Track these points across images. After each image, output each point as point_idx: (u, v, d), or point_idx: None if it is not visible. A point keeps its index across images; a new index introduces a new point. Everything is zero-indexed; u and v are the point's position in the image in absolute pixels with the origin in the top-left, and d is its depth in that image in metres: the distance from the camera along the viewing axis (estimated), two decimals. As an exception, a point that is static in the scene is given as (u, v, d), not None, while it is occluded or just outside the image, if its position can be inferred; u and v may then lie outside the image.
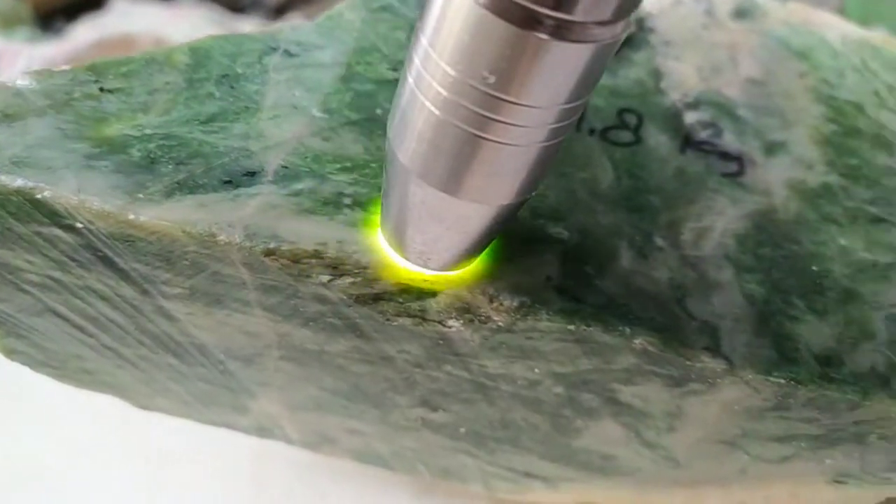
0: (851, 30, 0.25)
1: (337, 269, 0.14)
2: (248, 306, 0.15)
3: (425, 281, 0.14)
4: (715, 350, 0.14)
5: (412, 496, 0.22)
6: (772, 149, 0.19)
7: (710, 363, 0.14)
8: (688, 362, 0.14)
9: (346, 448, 0.19)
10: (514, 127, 0.10)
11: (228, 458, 0.23)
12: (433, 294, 0.14)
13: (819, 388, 0.15)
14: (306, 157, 0.15)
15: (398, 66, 0.17)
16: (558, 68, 0.10)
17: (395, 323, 0.14)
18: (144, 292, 0.15)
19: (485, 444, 0.18)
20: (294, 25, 0.18)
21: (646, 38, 0.21)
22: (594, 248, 0.15)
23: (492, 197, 0.12)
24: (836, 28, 0.24)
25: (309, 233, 0.14)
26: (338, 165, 0.15)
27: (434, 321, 0.14)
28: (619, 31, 0.10)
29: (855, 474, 0.17)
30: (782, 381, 0.15)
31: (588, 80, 0.10)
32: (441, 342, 0.15)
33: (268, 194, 0.14)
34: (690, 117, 0.19)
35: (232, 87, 0.16)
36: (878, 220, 0.18)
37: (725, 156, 0.18)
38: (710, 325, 0.15)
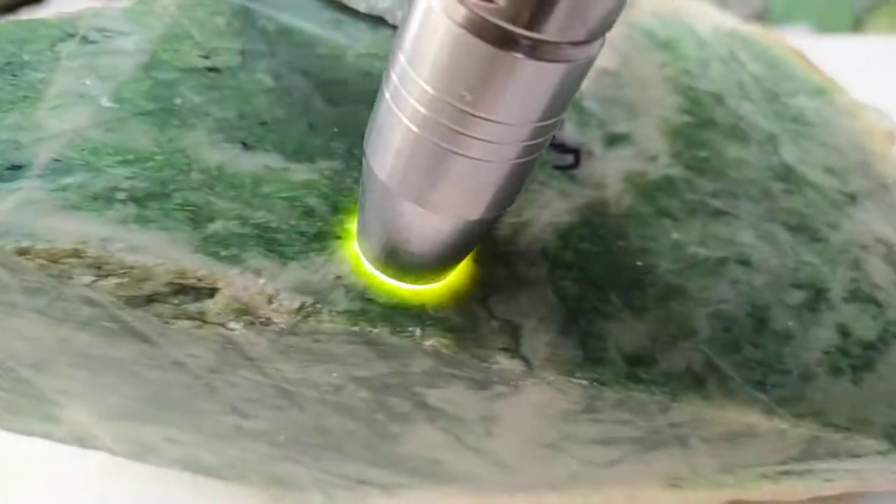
0: (724, 21, 0.24)
1: (100, 269, 0.13)
2: (17, 309, 0.14)
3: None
4: (513, 351, 0.14)
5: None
6: (614, 140, 0.18)
7: (507, 364, 0.14)
8: (484, 364, 0.14)
9: (170, 458, 0.18)
10: (490, 144, 0.11)
11: (76, 473, 0.22)
12: (211, 294, 0.13)
13: (625, 390, 0.14)
14: (83, 150, 0.14)
15: (212, 53, 0.16)
16: (534, 87, 0.10)
17: (175, 326, 0.13)
18: None
19: (308, 451, 0.17)
20: (97, 11, 0.17)
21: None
22: (393, 245, 0.14)
23: (468, 212, 0.12)
24: (707, 19, 0.24)
25: (71, 230, 0.13)
26: (118, 158, 0.14)
27: (215, 323, 0.13)
28: (594, 51, 0.10)
29: (687, 477, 0.17)
30: (585, 382, 0.14)
31: (562, 98, 0.11)
32: (229, 346, 0.14)
33: (30, 189, 0.13)
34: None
35: (14, 76, 0.15)
36: (718, 214, 0.18)
37: (562, 148, 0.18)
38: (513, 324, 0.14)
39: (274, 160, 0.14)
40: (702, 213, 0.17)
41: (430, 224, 0.12)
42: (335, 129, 0.15)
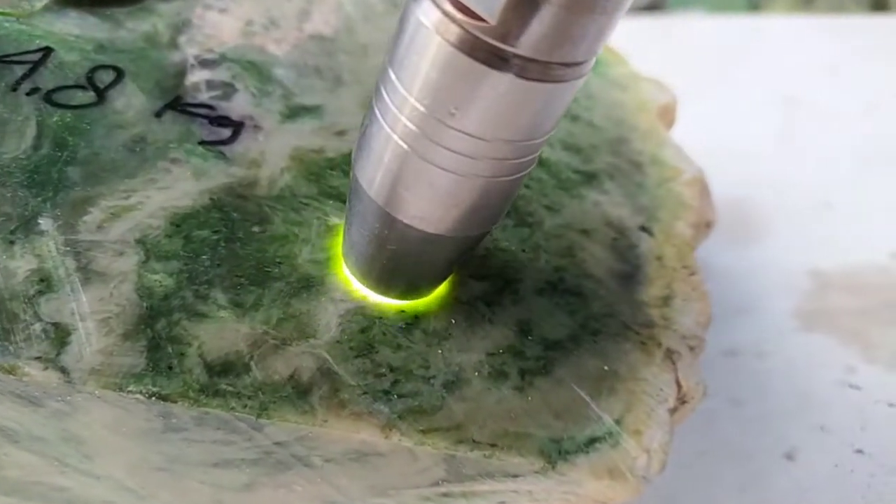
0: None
1: None
2: None
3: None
4: (50, 360, 0.12)
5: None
6: (295, 113, 0.16)
7: (39, 377, 0.12)
8: (11, 376, 0.12)
9: None
10: (479, 161, 0.11)
11: None
12: None
13: (197, 405, 0.12)
14: None
15: None
16: (523, 106, 0.10)
17: None
18: None
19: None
20: None
21: (190, -15, 0.18)
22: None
23: (457, 228, 0.12)
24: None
25: None
26: None
27: None
28: (584, 70, 0.10)
29: (342, 502, 0.15)
30: (140, 396, 0.12)
31: (551, 117, 0.11)
32: None
33: None
34: (197, 76, 0.16)
35: None
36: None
37: (221, 120, 0.16)
38: (60, 327, 0.12)
39: None
40: None
41: (419, 240, 0.12)
42: None
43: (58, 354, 0.12)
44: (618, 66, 0.22)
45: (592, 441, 0.14)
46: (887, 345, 0.19)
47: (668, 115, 0.21)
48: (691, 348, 0.16)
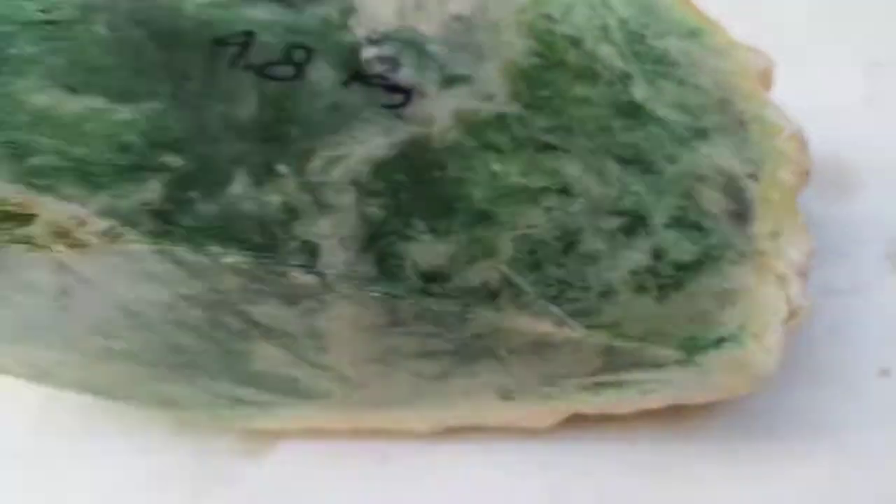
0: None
1: None
2: None
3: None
4: (310, 267, 0.15)
5: (175, 429, 0.24)
6: (451, 81, 0.19)
7: (302, 279, 0.15)
8: (283, 279, 0.15)
9: (67, 381, 0.21)
10: None
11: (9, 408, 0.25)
12: (30, 219, 0.15)
13: (419, 303, 0.16)
14: None
15: (51, 7, 0.18)
16: None
17: (10, 249, 0.15)
18: None
19: (177, 370, 0.19)
20: None
21: (354, -24, 0.21)
22: (206, 176, 0.16)
23: None
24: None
25: None
26: None
27: (42, 246, 0.15)
28: None
29: (515, 389, 0.18)
30: (378, 295, 0.15)
31: None
32: (63, 268, 0.16)
33: None
34: (369, 52, 0.19)
35: None
36: (548, 148, 0.19)
37: (393, 88, 0.19)
38: (311, 244, 0.16)
39: (97, 102, 0.16)
40: (530, 147, 0.19)
41: None
42: (162, 74, 0.17)
43: (314, 264, 0.15)
44: (717, 34, 0.24)
45: (721, 340, 0.17)
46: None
47: (766, 78, 0.23)
48: (799, 273, 0.18)
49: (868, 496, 0.20)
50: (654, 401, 0.18)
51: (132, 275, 0.16)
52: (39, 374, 0.20)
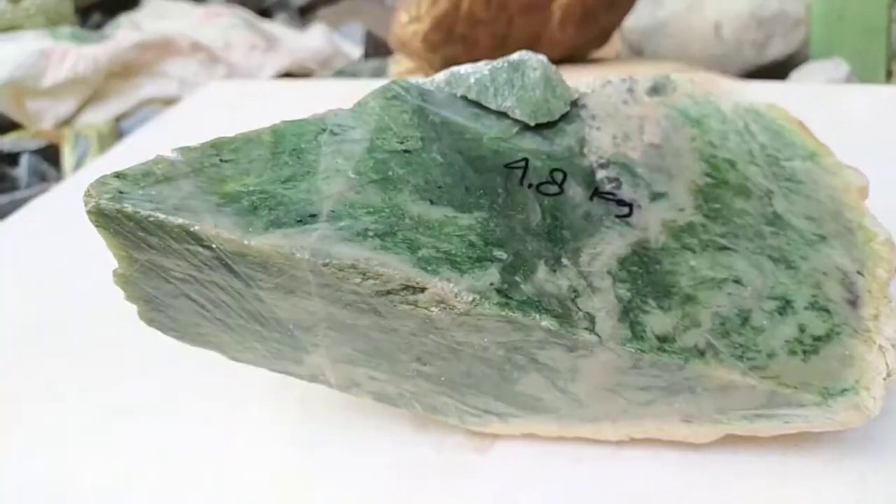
0: (743, 98, 0.34)
1: (364, 275, 0.23)
2: (310, 295, 0.25)
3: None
4: (591, 329, 0.24)
5: (415, 427, 0.32)
6: (655, 197, 0.28)
7: (587, 337, 0.24)
8: (574, 336, 0.24)
9: (368, 391, 0.29)
10: None
11: (283, 398, 0.33)
12: (422, 291, 0.23)
13: (656, 356, 0.24)
14: (346, 205, 0.24)
15: (404, 140, 0.27)
16: None
17: (399, 308, 0.24)
18: (247, 285, 0.25)
19: (457, 388, 0.28)
20: (336, 112, 0.27)
21: (578, 113, 0.30)
22: (522, 265, 0.24)
23: None
24: (731, 96, 0.33)
25: (347, 253, 0.23)
26: (364, 210, 0.24)
27: (422, 307, 0.24)
28: None
29: (696, 415, 0.27)
30: (632, 350, 0.24)
31: None
32: (427, 321, 0.24)
33: (324, 229, 0.24)
34: (601, 174, 0.28)
35: (299, 158, 0.26)
36: (724, 249, 0.27)
37: (621, 202, 0.27)
38: (590, 315, 0.24)
39: (449, 211, 0.25)
40: (712, 248, 0.27)
41: None
42: (481, 191, 0.26)
43: (593, 327, 0.24)
44: (828, 156, 0.33)
45: (844, 390, 0.25)
46: None
47: (864, 192, 0.32)
48: (893, 345, 0.27)
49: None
50: (791, 429, 0.27)
51: (472, 328, 0.24)
52: (349, 386, 0.29)
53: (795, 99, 0.35)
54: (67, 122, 0.86)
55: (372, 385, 0.29)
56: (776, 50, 0.77)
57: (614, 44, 0.86)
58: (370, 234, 0.24)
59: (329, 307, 0.25)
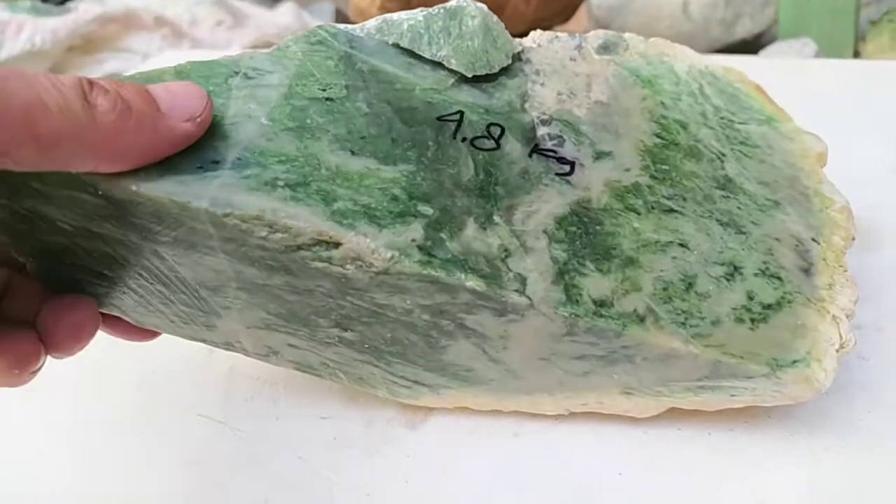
0: (699, 60, 0.32)
1: (271, 227, 0.21)
2: (214, 251, 0.22)
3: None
4: (521, 291, 0.22)
5: (345, 401, 0.30)
6: (600, 156, 0.26)
7: (517, 300, 0.22)
8: (503, 299, 0.22)
9: (288, 359, 0.27)
10: None
11: (207, 373, 0.31)
12: (336, 247, 0.21)
13: (592, 321, 0.22)
14: (254, 152, 0.22)
15: (327, 87, 0.24)
16: None
17: (312, 265, 0.22)
18: (144, 238, 0.22)
19: (383, 357, 0.26)
20: (252, 54, 0.25)
21: (521, 67, 0.28)
22: (449, 222, 0.22)
23: None
24: (686, 59, 0.32)
25: (254, 203, 0.21)
26: (276, 159, 0.22)
27: (337, 265, 0.22)
28: None
29: (636, 387, 0.25)
30: (566, 314, 0.22)
31: None
32: (343, 280, 0.22)
33: (226, 177, 0.21)
34: (542, 131, 0.26)
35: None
36: (670, 211, 0.25)
37: (562, 160, 0.25)
38: (521, 276, 0.22)
39: (371, 163, 0.22)
40: (657, 210, 0.25)
41: None
42: (409, 143, 0.23)
43: (524, 289, 0.22)
44: (786, 122, 0.31)
45: (794, 361, 0.23)
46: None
47: (822, 159, 0.30)
48: (847, 315, 0.25)
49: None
50: (738, 402, 0.25)
51: (392, 288, 0.22)
52: (268, 354, 0.27)
53: (760, 72, 0.33)
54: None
55: (292, 353, 0.27)
56: (744, 29, 0.75)
57: (581, 19, 0.84)
58: (280, 183, 0.22)
59: (236, 265, 0.23)
